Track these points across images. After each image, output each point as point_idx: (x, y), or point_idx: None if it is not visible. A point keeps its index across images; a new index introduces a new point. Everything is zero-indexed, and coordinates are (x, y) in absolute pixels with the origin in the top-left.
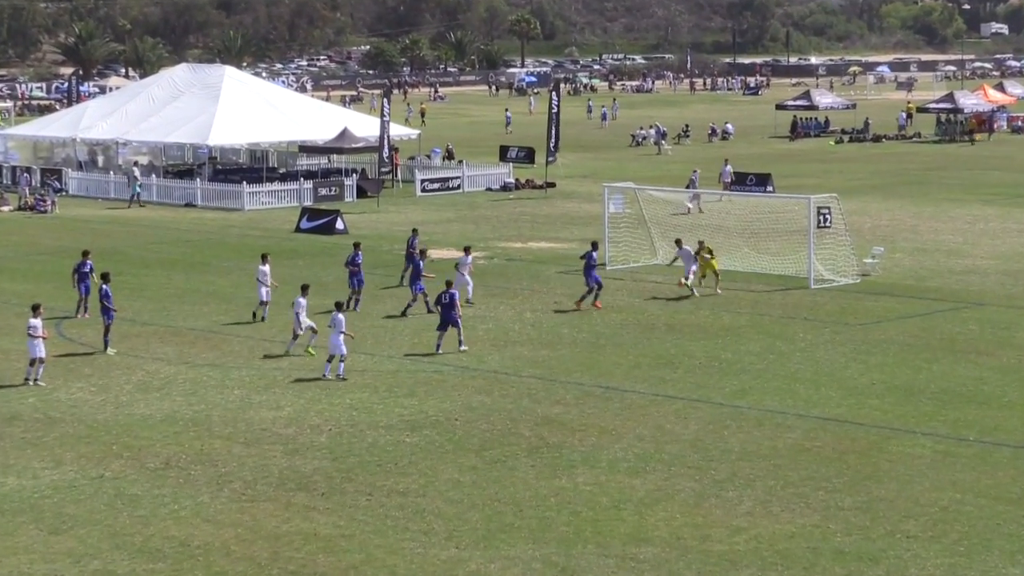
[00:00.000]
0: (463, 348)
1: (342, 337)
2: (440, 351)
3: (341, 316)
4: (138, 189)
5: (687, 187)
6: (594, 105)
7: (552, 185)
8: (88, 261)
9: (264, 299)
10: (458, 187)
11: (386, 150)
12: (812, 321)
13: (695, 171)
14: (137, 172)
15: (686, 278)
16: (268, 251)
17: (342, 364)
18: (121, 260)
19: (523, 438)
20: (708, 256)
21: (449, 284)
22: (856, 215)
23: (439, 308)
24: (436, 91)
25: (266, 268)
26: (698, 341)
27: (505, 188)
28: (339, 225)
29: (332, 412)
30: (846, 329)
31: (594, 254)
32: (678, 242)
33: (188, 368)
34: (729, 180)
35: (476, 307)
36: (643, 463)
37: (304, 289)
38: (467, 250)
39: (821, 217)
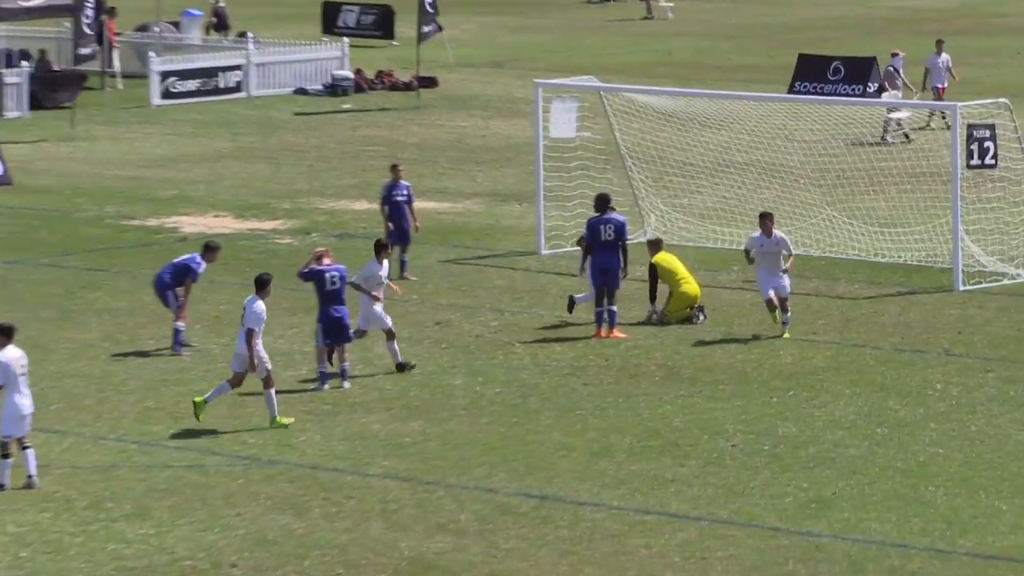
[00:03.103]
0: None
1: None
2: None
3: None
4: None
5: (878, 92)
6: None
7: (431, 82)
8: None
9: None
10: (237, 87)
11: (89, 12)
12: (960, 358)
13: (896, 55)
14: None
15: (777, 313)
16: None
17: None
18: None
19: None
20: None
21: (320, 258)
22: None
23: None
24: None
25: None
26: (728, 400)
27: (335, 89)
28: None
29: None
30: None
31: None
32: (764, 219)
33: None
34: (944, 84)
35: (274, 334)
36: None
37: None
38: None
39: (976, 144)
